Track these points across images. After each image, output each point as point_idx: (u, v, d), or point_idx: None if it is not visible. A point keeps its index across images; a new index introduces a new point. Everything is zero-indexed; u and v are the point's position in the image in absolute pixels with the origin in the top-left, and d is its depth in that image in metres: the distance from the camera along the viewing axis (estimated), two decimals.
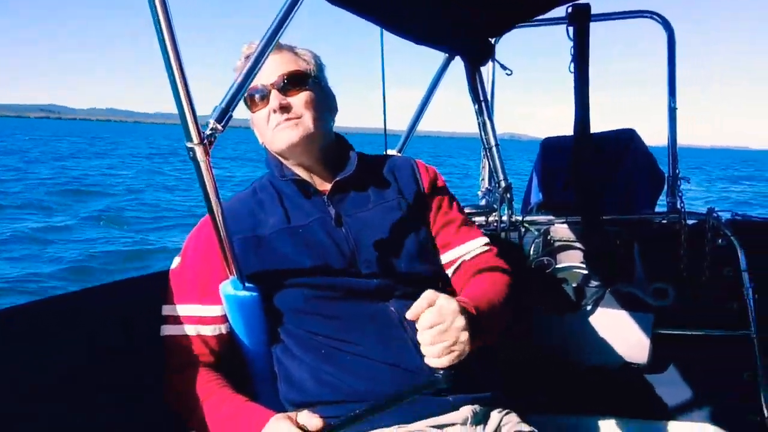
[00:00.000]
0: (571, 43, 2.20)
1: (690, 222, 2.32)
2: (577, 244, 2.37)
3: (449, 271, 1.70)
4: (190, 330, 1.52)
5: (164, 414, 1.51)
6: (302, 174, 1.61)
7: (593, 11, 2.19)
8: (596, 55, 2.26)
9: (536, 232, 2.44)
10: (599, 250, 2.32)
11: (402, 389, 1.34)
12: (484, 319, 1.42)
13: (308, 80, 1.57)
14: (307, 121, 1.54)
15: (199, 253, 1.55)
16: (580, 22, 2.16)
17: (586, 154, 2.23)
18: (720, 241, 2.28)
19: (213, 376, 1.51)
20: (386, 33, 2.17)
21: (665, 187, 2.71)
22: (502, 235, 2.46)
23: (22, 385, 1.29)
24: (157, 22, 1.18)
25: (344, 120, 1.76)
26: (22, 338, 1.30)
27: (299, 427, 1.28)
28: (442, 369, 1.28)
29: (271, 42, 1.38)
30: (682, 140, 2.76)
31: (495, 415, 1.55)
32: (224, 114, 1.32)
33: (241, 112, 1.48)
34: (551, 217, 2.49)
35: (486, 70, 2.80)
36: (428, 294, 1.32)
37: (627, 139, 2.90)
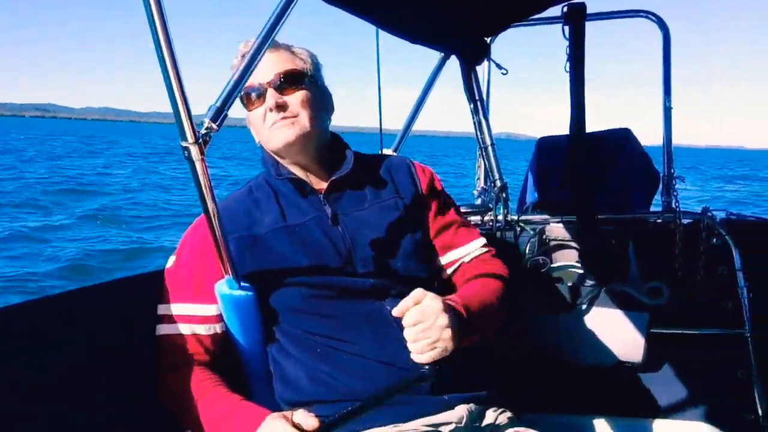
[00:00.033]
0: (567, 43, 2.20)
1: (685, 221, 2.33)
2: (573, 244, 2.37)
3: (449, 272, 1.72)
4: (184, 329, 1.52)
5: (164, 414, 1.51)
6: (298, 173, 1.62)
7: (589, 11, 2.19)
8: (592, 54, 2.27)
9: (532, 232, 2.44)
10: (594, 249, 2.32)
11: (391, 385, 1.36)
12: (474, 319, 1.44)
13: (305, 79, 1.58)
14: (304, 120, 1.55)
15: (195, 252, 1.55)
16: (576, 21, 2.16)
17: (581, 153, 2.23)
18: (715, 240, 2.28)
19: (208, 375, 1.51)
20: (382, 32, 2.17)
21: (660, 186, 2.71)
22: (498, 234, 2.46)
23: (21, 384, 1.28)
24: (151, 21, 1.17)
25: (339, 119, 1.76)
26: (21, 337, 1.30)
27: (295, 426, 1.28)
28: (427, 365, 1.32)
29: (267, 40, 1.37)
30: (677, 140, 2.76)
31: (490, 414, 1.55)
32: (219, 113, 1.32)
33: (236, 111, 1.47)
34: (547, 217, 2.49)
35: (481, 70, 2.80)
36: (416, 293, 1.35)
37: (622, 138, 2.91)
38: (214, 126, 1.31)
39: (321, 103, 1.62)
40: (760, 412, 2.18)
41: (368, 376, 1.44)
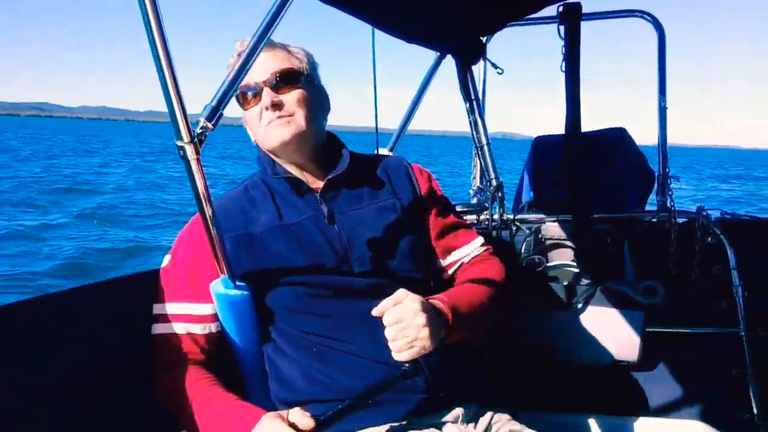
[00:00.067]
0: (562, 43, 2.21)
1: (680, 220, 2.33)
2: (568, 243, 2.38)
3: (450, 273, 1.74)
4: (179, 328, 1.52)
5: (164, 414, 1.51)
6: (294, 172, 1.61)
7: (584, 10, 2.20)
8: (588, 54, 2.27)
9: (527, 231, 2.44)
10: (590, 248, 2.33)
11: (376, 383, 1.38)
12: (461, 317, 1.46)
13: (301, 78, 1.57)
14: (299, 119, 1.54)
15: (190, 251, 1.55)
16: (571, 21, 2.16)
17: (577, 152, 2.24)
18: (709, 239, 2.29)
19: (203, 374, 1.51)
20: (378, 32, 2.17)
21: (655, 185, 2.72)
22: (494, 233, 2.46)
23: (20, 383, 1.28)
24: (146, 20, 1.17)
25: (335, 118, 1.76)
26: (21, 334, 1.30)
27: (291, 425, 1.28)
28: (407, 363, 1.36)
29: (263, 39, 1.37)
30: (672, 139, 2.77)
31: (486, 413, 1.56)
32: (215, 112, 1.32)
33: (232, 110, 1.47)
34: (542, 216, 2.49)
35: (477, 69, 2.80)
36: (397, 293, 1.37)
37: (617, 138, 2.91)
38: (210, 125, 1.31)
39: (317, 103, 1.62)
40: (754, 410, 2.19)
41: (364, 375, 1.44)
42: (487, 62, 2.79)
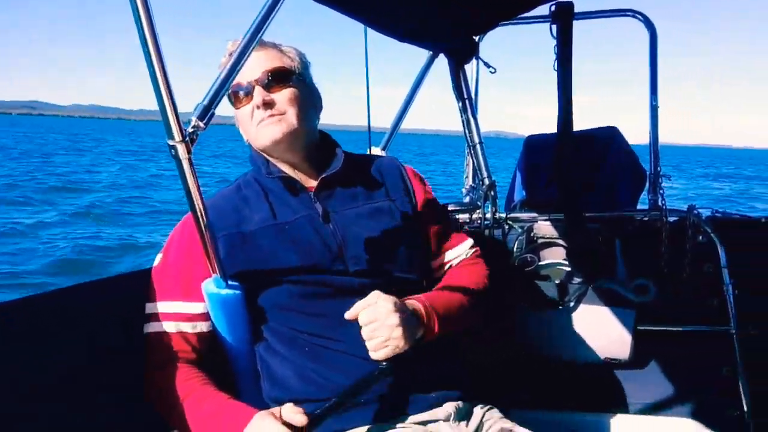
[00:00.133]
0: (555, 42, 2.21)
1: (671, 219, 2.34)
2: (560, 242, 2.39)
3: (439, 275, 1.75)
4: (170, 327, 1.51)
5: None
6: (288, 171, 1.61)
7: (576, 9, 2.20)
8: (579, 53, 2.28)
9: (520, 230, 2.45)
10: (582, 247, 2.34)
11: (356, 382, 1.40)
12: (438, 318, 1.49)
13: (292, 77, 1.57)
14: (291, 118, 1.54)
15: (182, 250, 1.54)
16: (564, 20, 2.17)
17: (569, 151, 2.24)
18: (700, 237, 2.30)
19: (195, 373, 1.50)
20: (370, 31, 2.17)
21: (647, 184, 2.73)
22: (486, 232, 2.47)
23: (19, 381, 1.27)
24: (137, 18, 1.17)
25: (327, 117, 1.76)
26: (19, 333, 1.29)
27: (284, 423, 1.28)
28: (384, 361, 1.39)
29: (254, 38, 1.37)
30: (663, 138, 2.78)
31: (477, 411, 1.57)
32: (206, 111, 1.32)
33: (224, 109, 1.47)
34: (534, 215, 2.50)
35: (470, 68, 2.81)
36: (370, 295, 1.40)
37: (609, 137, 2.93)
38: (201, 124, 1.31)
39: (309, 101, 1.62)
40: (745, 407, 2.20)
41: (357, 374, 1.44)
42: (480, 61, 2.80)
